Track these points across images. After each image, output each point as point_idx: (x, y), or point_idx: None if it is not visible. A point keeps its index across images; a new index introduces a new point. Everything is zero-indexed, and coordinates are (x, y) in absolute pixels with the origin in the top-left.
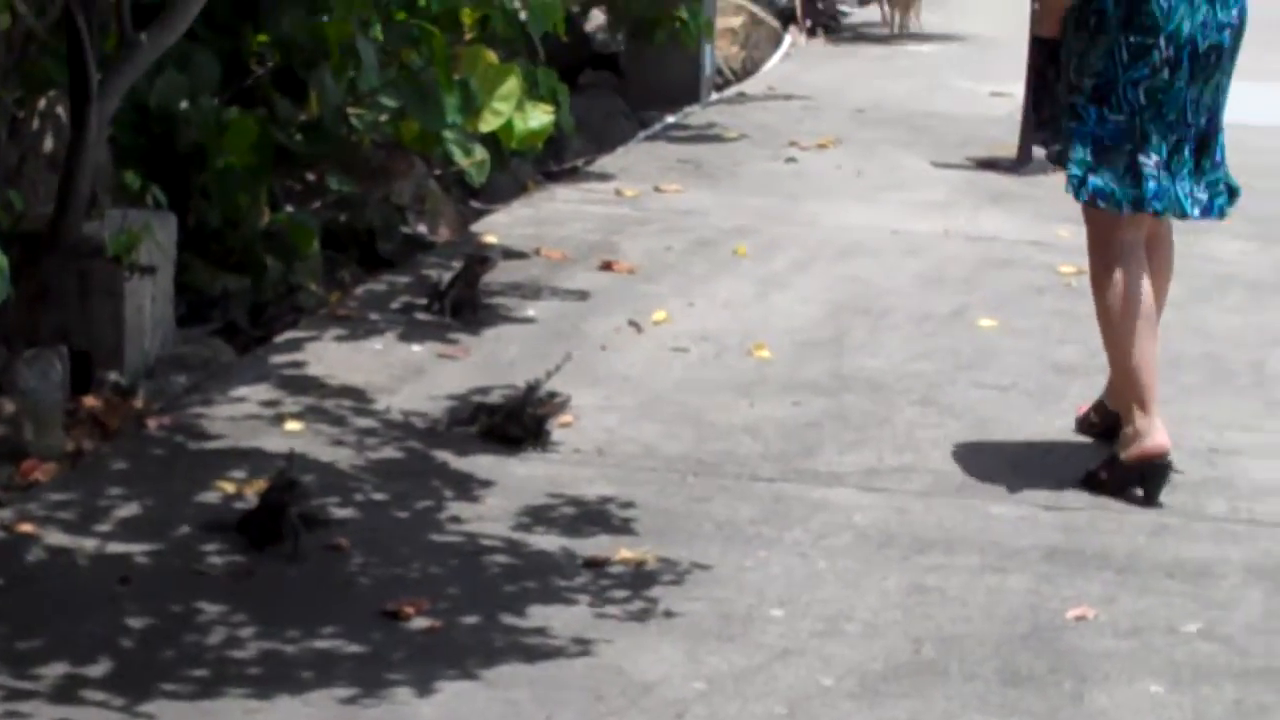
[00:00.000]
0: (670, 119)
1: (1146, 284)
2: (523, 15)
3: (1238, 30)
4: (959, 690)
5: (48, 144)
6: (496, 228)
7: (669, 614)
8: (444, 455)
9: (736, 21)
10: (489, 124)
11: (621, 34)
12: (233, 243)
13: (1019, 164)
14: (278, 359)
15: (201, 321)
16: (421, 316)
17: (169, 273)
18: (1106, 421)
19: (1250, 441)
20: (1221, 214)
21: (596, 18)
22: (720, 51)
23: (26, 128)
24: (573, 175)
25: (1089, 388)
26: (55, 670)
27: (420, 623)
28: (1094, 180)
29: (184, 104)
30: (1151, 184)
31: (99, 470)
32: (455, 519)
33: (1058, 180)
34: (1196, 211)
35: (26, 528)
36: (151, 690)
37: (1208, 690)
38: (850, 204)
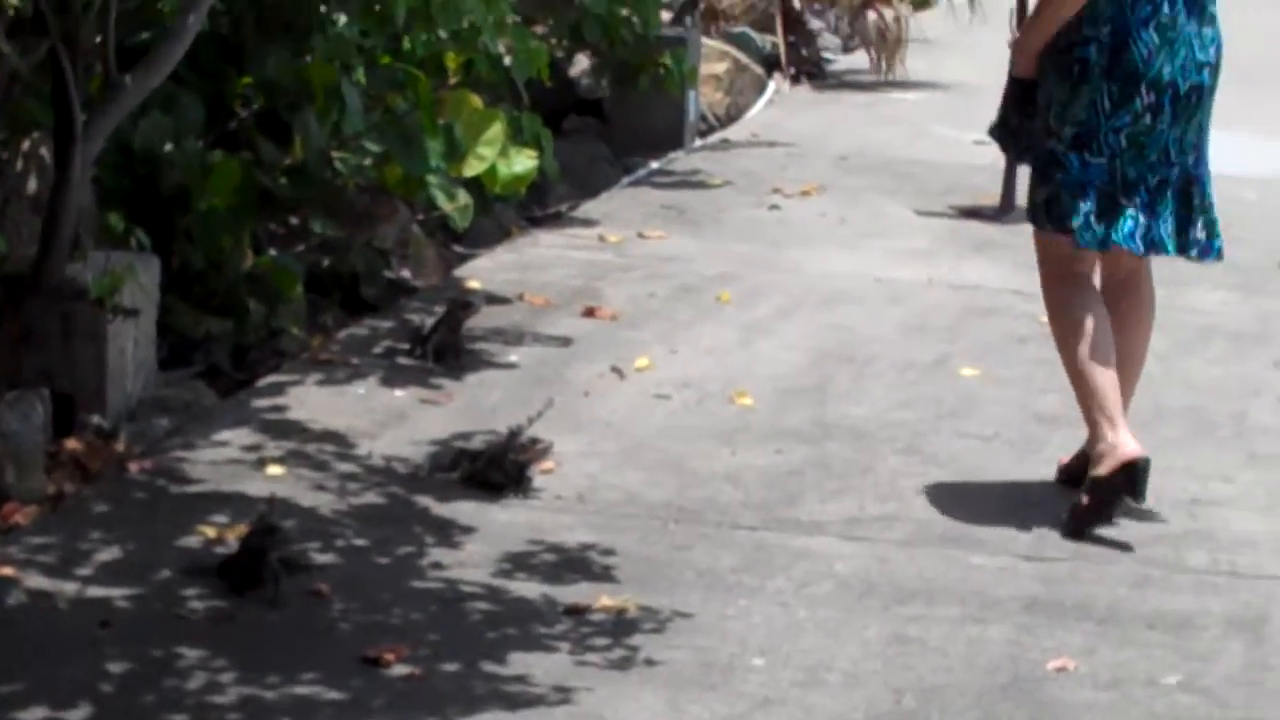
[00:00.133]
0: (654, 165)
1: (1101, 308)
2: (507, 60)
3: (1216, 68)
4: None
5: (31, 185)
6: (480, 273)
7: (650, 662)
8: (425, 501)
9: (720, 68)
10: (473, 169)
11: (606, 79)
12: (216, 286)
13: (1002, 212)
14: (260, 403)
15: (184, 364)
16: (404, 361)
17: (152, 315)
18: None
19: (1231, 493)
20: (1220, 255)
21: (581, 63)
22: (704, 98)
23: (10, 169)
24: (556, 220)
25: (1071, 438)
26: (35, 714)
27: (401, 669)
28: (1095, 226)
29: (168, 146)
30: (1129, 224)
31: (80, 513)
32: (436, 565)
33: None
34: (1194, 252)
35: (6, 570)
36: None
37: None
38: (833, 251)
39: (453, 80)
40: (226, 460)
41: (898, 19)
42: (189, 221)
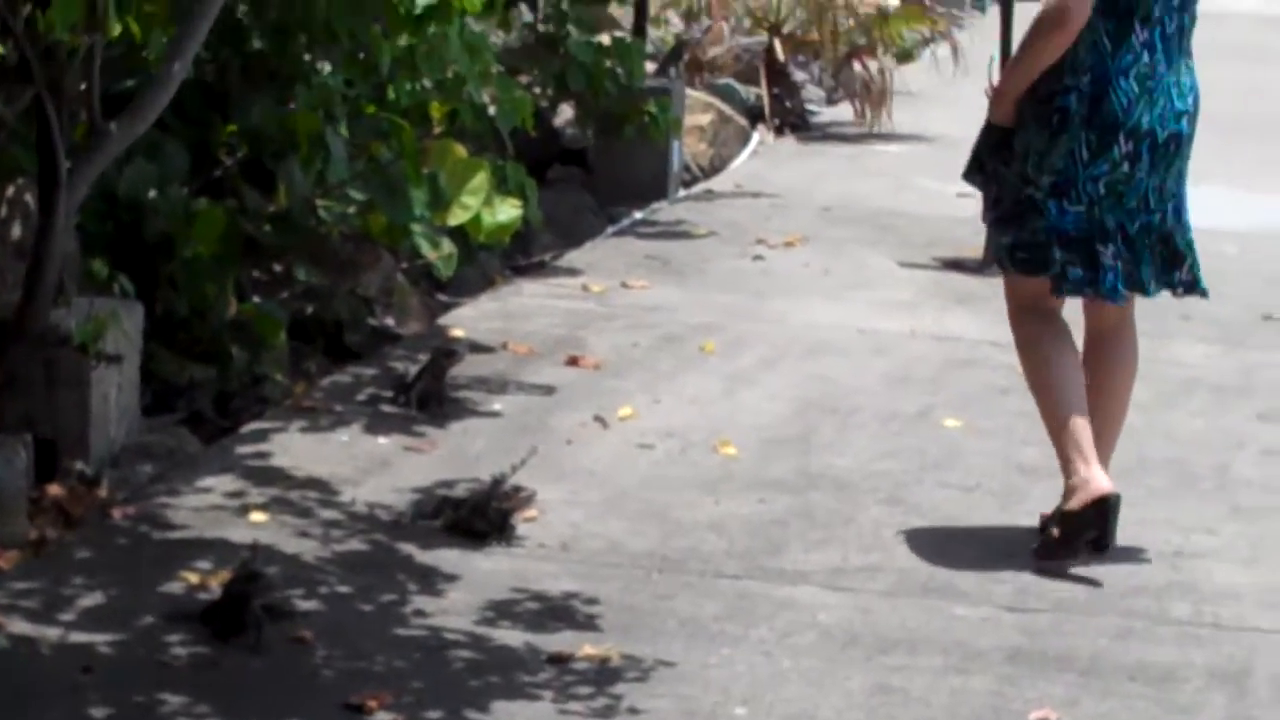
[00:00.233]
0: (638, 215)
1: (1070, 343)
2: (492, 110)
3: (1194, 116)
4: None
5: (15, 231)
6: (463, 321)
7: (633, 711)
8: (409, 548)
9: (705, 119)
10: (457, 218)
11: (590, 129)
12: (199, 332)
13: (985, 265)
14: (243, 449)
15: (167, 411)
16: (387, 409)
17: (135, 362)
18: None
19: (1214, 545)
20: (1205, 293)
21: (565, 112)
22: (688, 148)
23: None
24: (540, 270)
25: (1053, 489)
26: None
27: (383, 717)
28: (1071, 272)
29: (152, 193)
30: (1110, 276)
31: (63, 559)
32: (419, 613)
33: None
34: (1180, 290)
35: None
36: None
37: None
38: (817, 302)
39: (437, 129)
40: (209, 506)
41: (882, 71)
42: (173, 268)
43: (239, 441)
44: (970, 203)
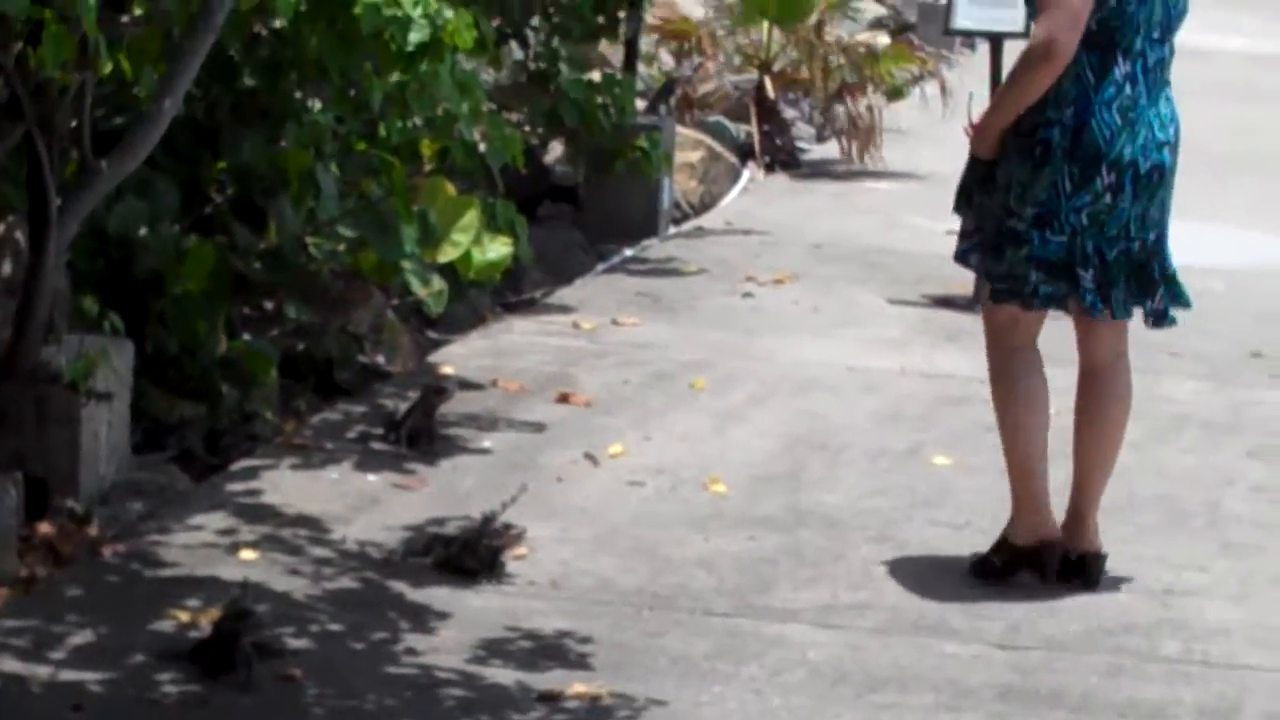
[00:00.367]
0: (628, 252)
1: (1041, 381)
2: (482, 147)
3: (1175, 146)
4: None
5: (6, 269)
6: (454, 358)
7: None
8: (399, 586)
9: (695, 156)
10: (447, 255)
11: (581, 166)
12: (190, 370)
13: (974, 302)
14: (233, 487)
15: (157, 448)
16: (378, 446)
17: (125, 399)
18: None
19: (1205, 582)
20: (1173, 322)
21: (556, 150)
22: (678, 186)
23: None
24: (530, 307)
25: None
26: None
27: None
28: (1043, 289)
29: (143, 231)
30: (1089, 297)
31: (53, 597)
32: (410, 651)
33: None
34: (1150, 320)
35: None
36: None
37: None
38: (807, 340)
39: (428, 167)
40: (200, 544)
41: (870, 109)
42: (163, 306)
43: (229, 479)
44: None
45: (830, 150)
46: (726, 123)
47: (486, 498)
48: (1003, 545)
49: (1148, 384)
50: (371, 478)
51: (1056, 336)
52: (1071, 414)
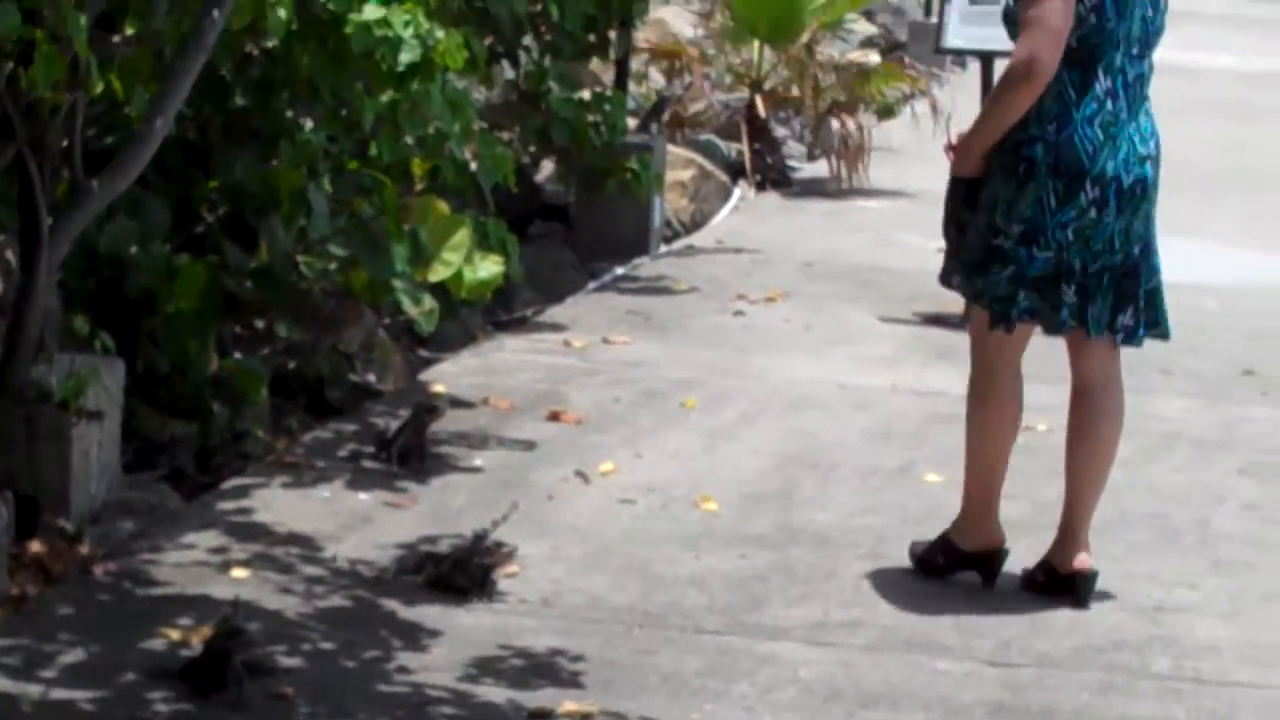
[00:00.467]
0: (619, 270)
1: (1019, 406)
2: (473, 166)
3: (1156, 160)
4: None
5: None
6: (445, 377)
7: None
8: (391, 604)
9: (686, 174)
10: (438, 274)
11: (572, 185)
12: (181, 389)
13: (966, 320)
14: (225, 506)
15: (149, 467)
16: (369, 465)
17: (116, 418)
18: (1052, 579)
19: (1195, 599)
20: (1140, 342)
21: (547, 168)
22: (669, 204)
23: None
24: (522, 325)
25: (1035, 544)
26: None
27: None
28: (1023, 304)
29: (134, 250)
30: (1065, 311)
31: (43, 616)
32: (402, 669)
33: None
34: (1120, 337)
35: None
36: None
37: None
38: (798, 358)
39: (419, 186)
40: (191, 563)
41: (860, 128)
42: (154, 325)
43: (220, 498)
44: None
45: (821, 168)
46: (718, 141)
47: (478, 516)
48: (948, 546)
49: (1139, 401)
50: (363, 496)
51: (1049, 354)
52: (1064, 431)
